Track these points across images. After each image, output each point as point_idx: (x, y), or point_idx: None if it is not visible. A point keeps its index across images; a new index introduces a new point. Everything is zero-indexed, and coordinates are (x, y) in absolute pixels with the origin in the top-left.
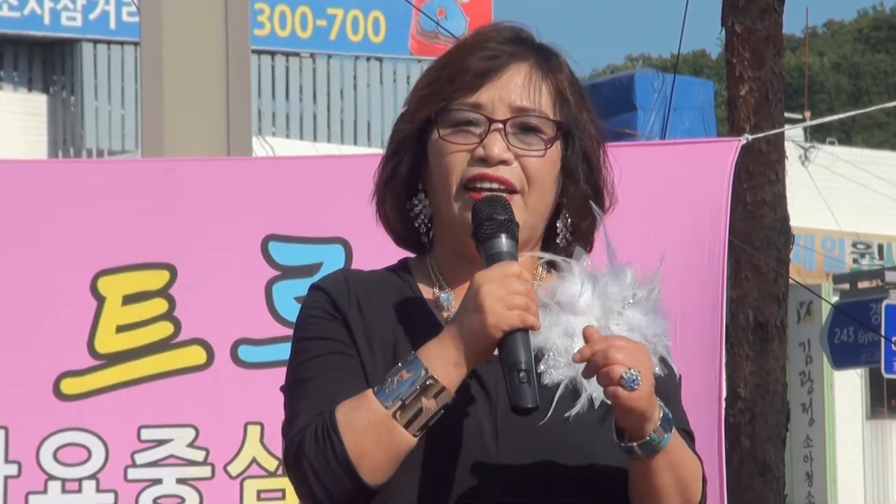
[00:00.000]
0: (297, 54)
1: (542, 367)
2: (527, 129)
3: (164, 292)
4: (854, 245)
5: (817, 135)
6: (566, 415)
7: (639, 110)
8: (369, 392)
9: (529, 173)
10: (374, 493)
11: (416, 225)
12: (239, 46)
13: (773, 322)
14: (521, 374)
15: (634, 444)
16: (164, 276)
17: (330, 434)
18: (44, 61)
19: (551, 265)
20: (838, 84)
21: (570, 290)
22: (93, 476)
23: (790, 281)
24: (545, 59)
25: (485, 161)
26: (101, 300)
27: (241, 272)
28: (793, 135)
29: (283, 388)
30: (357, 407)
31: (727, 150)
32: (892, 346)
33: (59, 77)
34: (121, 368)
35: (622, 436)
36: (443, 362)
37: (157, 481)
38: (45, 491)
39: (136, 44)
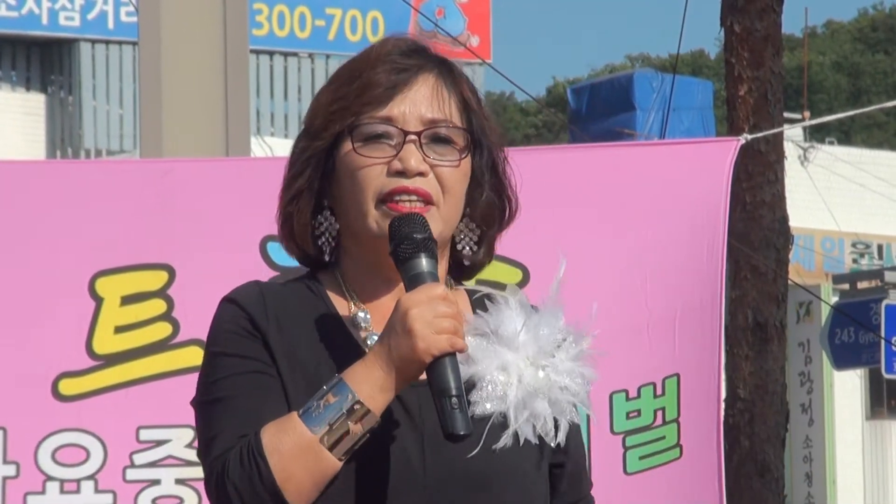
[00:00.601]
0: (295, 54)
1: (474, 398)
2: (439, 140)
3: (162, 293)
4: (853, 245)
5: (816, 135)
6: (493, 447)
7: (638, 110)
8: (294, 415)
9: (444, 184)
10: None
11: (320, 243)
12: (237, 46)
13: (772, 322)
14: (453, 400)
15: None
16: (163, 276)
17: (255, 457)
18: (42, 61)
19: (455, 281)
20: (838, 84)
21: (511, 325)
22: (91, 477)
23: (789, 281)
24: (448, 70)
25: (402, 173)
26: (99, 301)
27: (239, 273)
28: (792, 135)
29: (194, 403)
30: (282, 430)
31: (726, 150)
32: (892, 346)
33: (57, 77)
34: (119, 369)
35: None
36: (369, 386)
37: (156, 482)
38: (43, 491)
39: (134, 44)
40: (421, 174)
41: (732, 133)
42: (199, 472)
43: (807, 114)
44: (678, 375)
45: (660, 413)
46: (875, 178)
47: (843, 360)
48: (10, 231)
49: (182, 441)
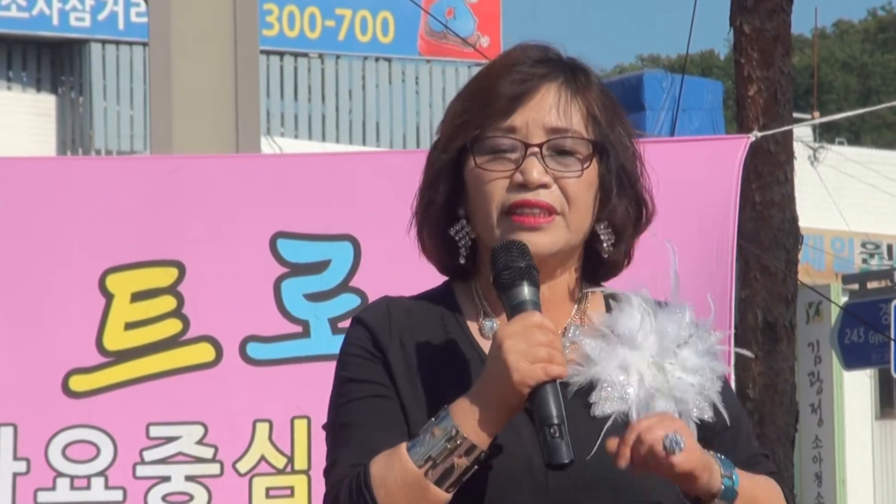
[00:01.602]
0: (305, 55)
1: (593, 398)
2: (562, 151)
3: (172, 289)
4: (863, 245)
5: (826, 135)
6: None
7: (647, 110)
8: (402, 447)
9: (569, 194)
10: None
11: (459, 248)
12: (248, 47)
13: (781, 322)
14: (553, 430)
15: (715, 501)
16: (173, 273)
17: (363, 490)
18: (52, 62)
19: (592, 284)
20: (847, 84)
21: (630, 323)
22: (101, 473)
23: (799, 282)
24: (573, 78)
25: (524, 186)
26: (109, 297)
27: (249, 269)
28: (801, 135)
29: (325, 427)
30: (390, 464)
31: (736, 148)
32: None
33: (67, 78)
34: (129, 366)
35: (698, 501)
36: (472, 420)
37: (166, 478)
38: (53, 488)
39: (144, 44)
40: (543, 186)
41: (742, 133)
42: (209, 468)
43: (816, 114)
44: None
45: None
46: (885, 179)
47: (852, 360)
48: (20, 228)
49: (192, 438)
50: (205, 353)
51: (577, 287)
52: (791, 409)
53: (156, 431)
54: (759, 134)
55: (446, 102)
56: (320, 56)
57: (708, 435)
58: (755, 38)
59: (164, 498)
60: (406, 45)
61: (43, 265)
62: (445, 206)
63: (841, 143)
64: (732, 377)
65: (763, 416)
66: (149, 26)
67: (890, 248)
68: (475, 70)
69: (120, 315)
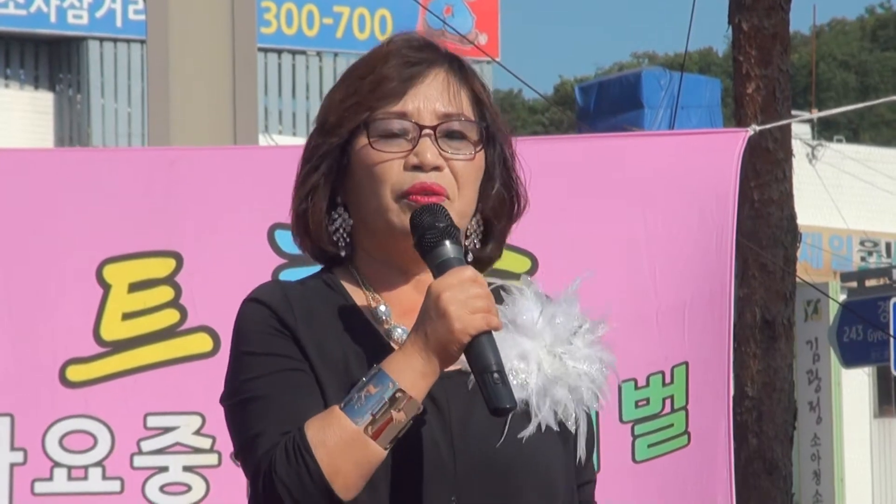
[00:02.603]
0: (303, 52)
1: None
2: (453, 135)
3: (170, 280)
4: (862, 243)
5: (824, 133)
6: (519, 436)
7: (646, 108)
8: (336, 409)
9: (459, 178)
10: None
11: (335, 238)
12: (245, 44)
13: (780, 320)
14: (495, 376)
15: None
16: (171, 263)
17: (302, 453)
18: (50, 59)
19: None
20: (845, 82)
21: (527, 314)
22: (99, 463)
23: (797, 279)
24: (458, 65)
25: (419, 168)
26: (106, 288)
27: (247, 260)
28: (800, 133)
29: (225, 403)
30: (326, 424)
31: (734, 141)
32: None
33: (65, 75)
34: (127, 356)
35: None
36: (410, 373)
37: (164, 469)
38: (50, 478)
39: (142, 42)
40: (437, 168)
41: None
42: (206, 458)
43: (815, 111)
44: (687, 364)
45: (668, 401)
46: (883, 176)
47: (851, 357)
48: (18, 218)
49: (190, 428)
50: (202, 343)
51: None
52: (789, 406)
53: (153, 421)
54: (758, 128)
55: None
56: (318, 54)
57: (569, 431)
58: (754, 36)
59: (161, 488)
60: None
61: (41, 255)
62: (329, 192)
63: (839, 141)
64: (731, 368)
65: (761, 414)
66: (147, 24)
67: (888, 245)
68: (475, 67)
69: (117, 305)
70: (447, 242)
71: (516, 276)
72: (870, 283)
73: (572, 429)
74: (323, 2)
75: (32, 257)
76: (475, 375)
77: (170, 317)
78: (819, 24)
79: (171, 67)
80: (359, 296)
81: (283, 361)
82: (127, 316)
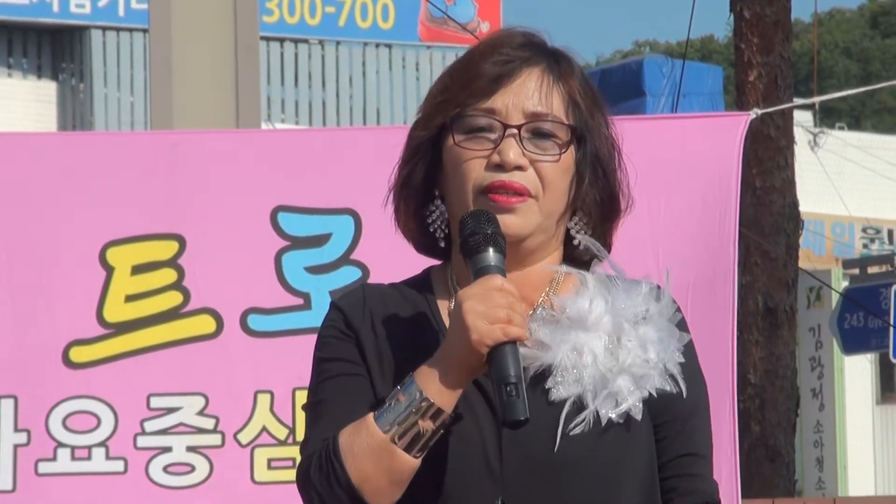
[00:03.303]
0: (305, 41)
1: (549, 384)
2: (541, 135)
3: (173, 262)
4: (864, 230)
5: (826, 120)
6: (568, 429)
7: (648, 96)
8: (370, 416)
9: (544, 178)
10: None
11: (433, 230)
12: (248, 33)
13: (782, 308)
14: (510, 388)
15: None
16: (173, 246)
17: (332, 460)
18: (53, 48)
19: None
20: (847, 69)
21: (581, 305)
22: (102, 444)
23: (799, 267)
24: (556, 64)
25: (501, 167)
26: (109, 270)
27: (250, 242)
28: (802, 120)
29: (303, 407)
30: (357, 432)
31: (736, 124)
32: None
33: (68, 64)
34: (130, 337)
35: None
36: (435, 383)
37: (167, 449)
38: (54, 458)
39: (145, 31)
40: (519, 168)
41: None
42: (210, 439)
43: (816, 97)
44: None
45: None
46: (885, 163)
47: (852, 345)
48: (22, 202)
49: (193, 409)
50: (205, 324)
51: (553, 279)
52: (792, 393)
53: (157, 402)
54: (760, 111)
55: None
56: (320, 42)
57: (661, 408)
58: (755, 24)
59: (165, 468)
60: (406, 31)
61: (44, 238)
62: (423, 184)
63: (841, 128)
64: (735, 352)
65: (764, 401)
66: (149, 12)
67: (890, 232)
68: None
69: (120, 287)
70: (490, 249)
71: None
72: (872, 270)
73: (638, 416)
74: None
75: (36, 240)
76: (493, 386)
77: (173, 299)
78: (821, 10)
79: (173, 56)
80: (445, 294)
81: (340, 366)
82: (130, 298)
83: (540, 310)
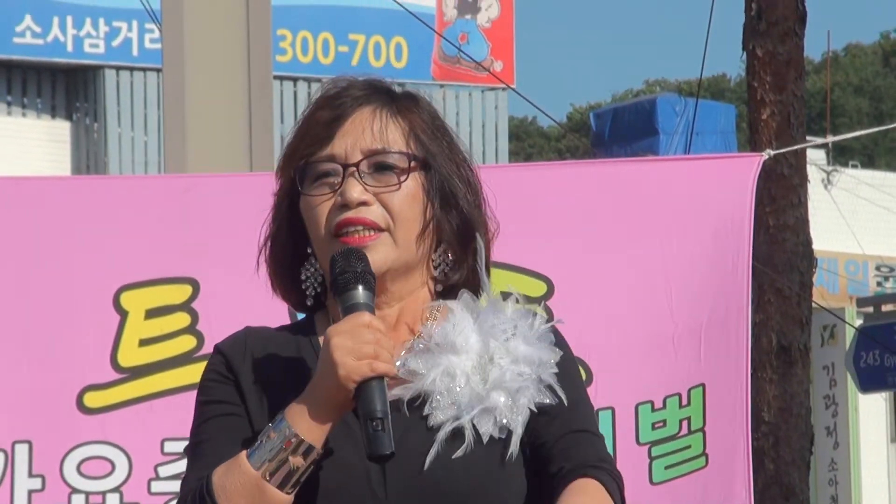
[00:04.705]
0: (319, 80)
1: (426, 410)
2: (381, 168)
3: (186, 306)
4: (878, 268)
5: (840, 158)
6: (454, 456)
7: (661, 134)
8: (242, 454)
9: (391, 209)
10: None
11: (304, 287)
12: (261, 72)
13: (796, 345)
14: (375, 423)
15: None
16: (187, 290)
17: (205, 498)
18: (67, 88)
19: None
20: (859, 108)
21: (446, 330)
22: (116, 489)
23: (813, 304)
24: (392, 101)
25: (346, 206)
26: (123, 314)
27: (263, 286)
28: (815, 158)
29: (185, 450)
30: (230, 470)
31: (749, 165)
32: None
33: (82, 104)
34: (144, 382)
35: None
36: (305, 419)
37: None
38: None
39: (158, 70)
40: (364, 203)
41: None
42: None
43: (829, 136)
44: (703, 385)
45: (685, 423)
46: None
47: (868, 382)
48: (36, 245)
49: None
50: None
51: (434, 302)
52: (806, 431)
53: (171, 447)
54: (773, 152)
55: (460, 126)
56: None
57: (543, 422)
58: (768, 62)
59: None
60: (419, 70)
61: (58, 283)
62: (286, 242)
63: (854, 167)
64: (749, 390)
65: (778, 439)
66: (162, 52)
67: None
68: (489, 94)
69: (134, 332)
70: (359, 286)
71: (532, 300)
72: (886, 307)
73: (519, 430)
74: (338, 30)
75: (50, 284)
76: (360, 421)
77: (187, 343)
78: (834, 49)
79: (187, 96)
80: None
81: (219, 408)
82: (144, 342)
83: (414, 341)
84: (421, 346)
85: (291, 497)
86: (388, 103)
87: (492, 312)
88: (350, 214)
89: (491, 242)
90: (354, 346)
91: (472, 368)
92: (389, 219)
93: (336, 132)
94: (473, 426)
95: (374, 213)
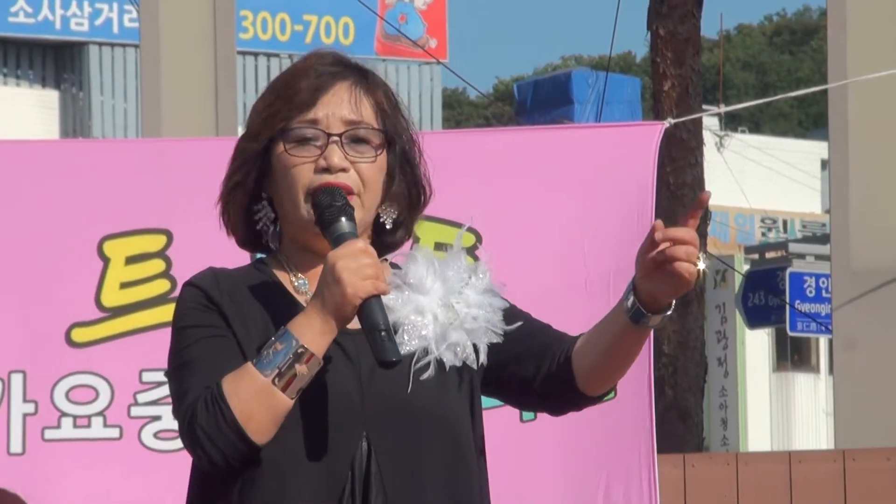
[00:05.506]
0: (277, 55)
1: (398, 340)
2: (357, 140)
3: (161, 254)
4: (762, 220)
5: (730, 125)
6: (421, 377)
7: (575, 104)
8: (249, 364)
9: (364, 177)
10: (260, 450)
11: (258, 227)
12: (226, 48)
13: (692, 288)
14: (382, 333)
15: (662, 315)
16: (162, 239)
17: (218, 402)
18: (55, 61)
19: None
20: (747, 81)
21: (418, 272)
22: (100, 413)
23: (707, 252)
24: (364, 78)
25: (327, 170)
26: (106, 261)
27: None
28: (709, 125)
29: (167, 374)
30: (240, 378)
31: (652, 132)
32: (795, 308)
33: (69, 75)
34: (124, 320)
35: (648, 309)
36: (310, 332)
37: (157, 418)
38: (58, 426)
39: (136, 46)
40: (343, 170)
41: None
42: None
43: (722, 105)
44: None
45: None
46: (781, 162)
47: (754, 320)
48: (28, 202)
49: None
50: None
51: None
52: (701, 362)
53: (148, 377)
54: (673, 121)
55: (400, 97)
56: (290, 56)
57: (503, 355)
58: (669, 40)
59: (155, 434)
60: (364, 47)
61: (49, 233)
62: (252, 188)
63: (743, 132)
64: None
65: (676, 369)
66: (140, 30)
67: (785, 223)
68: (425, 68)
69: (116, 276)
70: (343, 219)
71: (465, 251)
72: (769, 255)
73: (473, 364)
74: (294, 11)
75: (42, 235)
76: (366, 333)
77: (162, 286)
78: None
79: (161, 69)
80: (284, 277)
81: (208, 331)
82: (124, 285)
83: (389, 277)
84: (397, 282)
85: (293, 401)
86: (361, 80)
87: (449, 265)
88: (330, 178)
89: (427, 202)
90: (358, 267)
91: (437, 308)
92: (362, 185)
93: (318, 100)
94: (437, 357)
95: (351, 178)
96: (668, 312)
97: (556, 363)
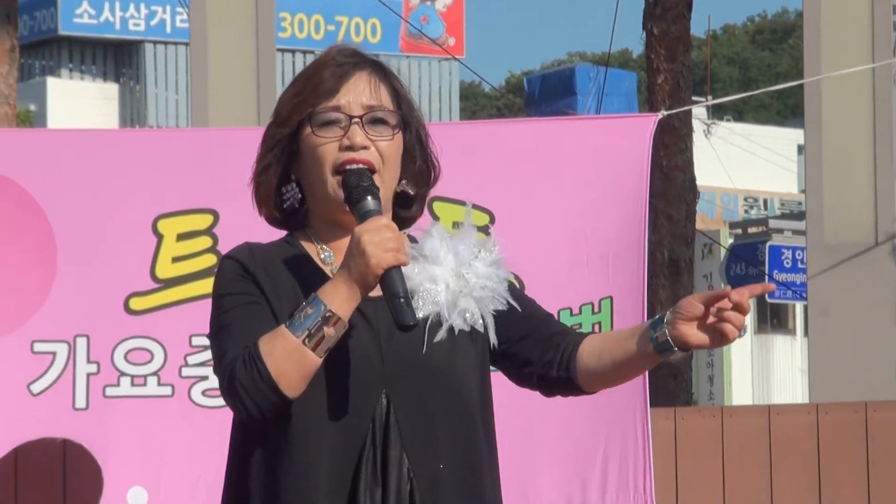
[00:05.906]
0: (312, 52)
1: (414, 306)
2: (376, 121)
3: (209, 231)
4: (745, 199)
5: (717, 114)
6: (434, 340)
7: (578, 95)
8: (282, 326)
9: (383, 154)
10: (291, 404)
11: (285, 207)
12: (266, 46)
13: (683, 259)
14: (402, 300)
15: (686, 353)
16: (209, 219)
17: (255, 360)
18: (115, 58)
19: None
20: (731, 75)
21: (433, 245)
22: (155, 373)
23: (696, 227)
24: (380, 68)
25: (351, 148)
26: (160, 237)
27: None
28: (698, 114)
29: (209, 336)
30: (274, 339)
31: (647, 123)
32: (773, 278)
33: (127, 70)
34: (176, 290)
35: (676, 345)
36: (337, 298)
37: (205, 377)
38: (118, 384)
39: (187, 44)
40: (364, 147)
41: (652, 112)
42: None
43: (710, 97)
44: (611, 297)
45: (597, 326)
46: (762, 148)
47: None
48: (91, 184)
49: None
50: None
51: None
52: None
53: (197, 341)
54: (666, 113)
55: (422, 89)
56: None
57: (507, 322)
58: (662, 38)
59: (203, 392)
60: (390, 44)
61: (109, 213)
62: (281, 172)
63: (728, 121)
64: (646, 299)
65: None
66: (190, 30)
67: (766, 201)
68: (444, 64)
69: (168, 251)
70: (369, 198)
71: (479, 229)
72: (751, 230)
73: (481, 329)
74: (327, 12)
75: (103, 215)
76: (386, 300)
77: (209, 260)
78: (713, 28)
79: (209, 65)
80: (312, 249)
81: (245, 297)
82: (176, 259)
83: (407, 248)
84: (414, 254)
85: (321, 361)
86: (378, 70)
87: (460, 240)
88: (353, 154)
89: (437, 179)
90: (381, 241)
91: (448, 277)
92: (381, 161)
93: (341, 88)
94: (449, 322)
95: (372, 155)
96: (690, 352)
97: (561, 357)
